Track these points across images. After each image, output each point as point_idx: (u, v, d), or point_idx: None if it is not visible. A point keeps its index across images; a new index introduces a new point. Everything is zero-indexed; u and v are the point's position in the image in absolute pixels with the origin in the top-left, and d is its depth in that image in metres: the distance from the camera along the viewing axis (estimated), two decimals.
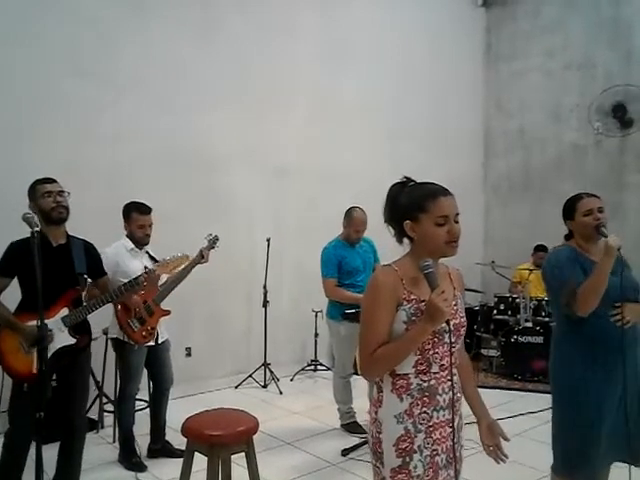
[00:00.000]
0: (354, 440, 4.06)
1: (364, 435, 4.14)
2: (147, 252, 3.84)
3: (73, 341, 2.97)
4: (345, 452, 3.89)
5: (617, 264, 2.50)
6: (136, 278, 3.27)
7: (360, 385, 4.61)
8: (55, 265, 2.86)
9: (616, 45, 6.68)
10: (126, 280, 3.54)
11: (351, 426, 4.31)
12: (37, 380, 2.64)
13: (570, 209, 2.62)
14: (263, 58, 5.63)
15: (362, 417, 4.37)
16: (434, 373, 1.73)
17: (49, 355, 2.82)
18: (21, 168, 4.25)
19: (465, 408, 1.89)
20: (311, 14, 6.00)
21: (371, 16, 6.46)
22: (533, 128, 7.44)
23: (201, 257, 3.86)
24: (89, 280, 3.17)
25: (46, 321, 2.76)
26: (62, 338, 2.92)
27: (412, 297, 1.72)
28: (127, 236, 3.78)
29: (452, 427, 1.76)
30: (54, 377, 2.96)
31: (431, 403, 1.73)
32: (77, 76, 4.49)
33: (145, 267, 3.43)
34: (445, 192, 1.75)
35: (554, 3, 7.25)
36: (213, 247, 3.98)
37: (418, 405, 1.72)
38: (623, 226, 6.50)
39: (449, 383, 1.75)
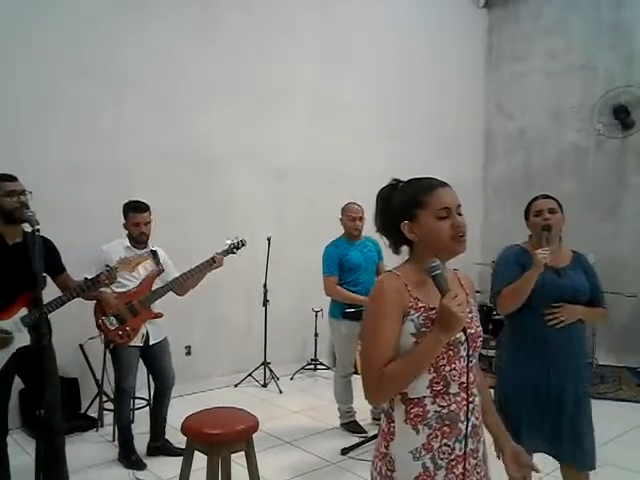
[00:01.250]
0: (354, 439, 4.06)
1: (363, 434, 4.15)
2: (153, 251, 3.78)
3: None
4: (345, 451, 3.89)
5: (575, 264, 2.62)
6: (98, 275, 3.16)
7: (361, 385, 4.63)
8: (12, 264, 2.80)
9: (617, 47, 6.68)
10: (118, 278, 3.52)
11: (351, 425, 4.32)
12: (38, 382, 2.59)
13: (526, 209, 2.74)
14: (263, 58, 5.63)
15: (362, 416, 4.38)
16: (453, 394, 1.51)
17: (8, 356, 2.78)
18: (21, 168, 4.25)
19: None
20: (311, 14, 6.00)
21: (371, 16, 6.46)
22: (534, 129, 7.44)
23: (212, 262, 3.78)
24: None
25: (4, 322, 2.77)
26: (21, 338, 2.83)
27: (420, 305, 1.51)
28: (127, 235, 3.78)
29: (477, 457, 1.56)
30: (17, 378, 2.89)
31: (452, 433, 1.50)
32: (77, 76, 4.49)
33: (107, 266, 3.29)
34: (442, 183, 1.58)
35: (555, 5, 7.24)
36: (234, 252, 3.91)
37: (437, 437, 1.49)
38: (623, 227, 6.52)
39: (471, 406, 1.53)
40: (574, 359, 2.57)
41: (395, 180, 1.68)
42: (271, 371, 5.51)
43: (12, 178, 2.90)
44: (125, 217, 3.76)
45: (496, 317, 6.33)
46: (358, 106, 6.30)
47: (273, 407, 4.88)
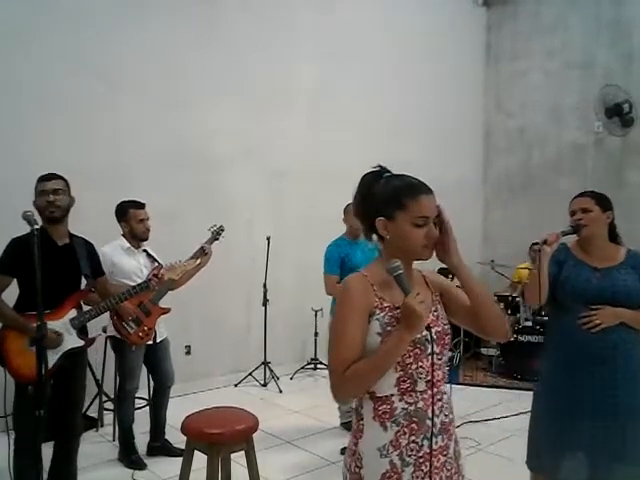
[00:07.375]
0: None
1: None
2: (145, 250, 3.83)
3: (81, 343, 2.93)
4: (344, 450, 3.88)
5: (627, 264, 2.46)
6: (147, 282, 3.32)
7: None
8: (61, 265, 2.82)
9: (616, 45, 6.67)
10: (124, 279, 3.56)
11: (350, 425, 4.30)
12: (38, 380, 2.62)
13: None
14: (263, 58, 5.63)
15: None
16: (421, 392, 1.50)
17: (57, 357, 2.80)
18: (22, 168, 4.26)
19: (457, 409, 1.73)
20: (311, 14, 6.00)
21: (370, 15, 6.46)
22: (533, 127, 7.44)
23: (203, 253, 3.81)
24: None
25: (54, 323, 2.77)
26: (71, 340, 2.87)
27: (385, 304, 1.51)
28: (123, 236, 3.78)
29: (447, 455, 1.53)
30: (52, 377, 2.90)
31: (420, 430, 1.48)
32: (77, 76, 4.49)
33: (154, 275, 3.44)
34: (427, 189, 1.53)
35: (555, 3, 7.23)
36: (217, 239, 3.94)
37: (405, 434, 1.47)
38: (622, 225, 6.50)
39: (439, 404, 1.51)
40: (620, 368, 2.34)
41: (380, 167, 1.65)
42: (271, 370, 5.52)
43: (47, 177, 2.91)
44: (124, 217, 3.76)
45: None
46: (357, 105, 6.30)
47: (273, 407, 4.89)
